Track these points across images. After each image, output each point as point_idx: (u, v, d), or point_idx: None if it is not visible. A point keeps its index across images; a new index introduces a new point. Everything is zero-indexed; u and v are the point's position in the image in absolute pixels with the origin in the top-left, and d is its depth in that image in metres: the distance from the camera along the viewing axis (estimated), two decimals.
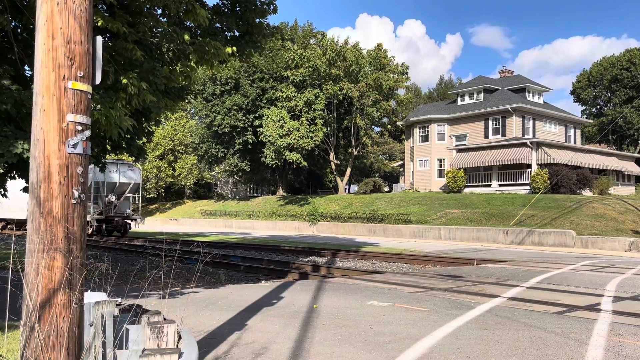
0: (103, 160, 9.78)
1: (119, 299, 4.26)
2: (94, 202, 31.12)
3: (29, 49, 7.35)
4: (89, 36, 3.36)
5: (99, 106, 6.45)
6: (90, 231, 31.13)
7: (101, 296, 4.02)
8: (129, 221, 33.35)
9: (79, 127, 3.29)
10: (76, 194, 3.27)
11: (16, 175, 8.28)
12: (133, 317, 4.02)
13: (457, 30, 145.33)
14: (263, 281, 13.25)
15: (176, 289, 10.04)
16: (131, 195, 33.67)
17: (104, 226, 32.13)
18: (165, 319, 4.07)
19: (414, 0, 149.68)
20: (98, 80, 3.45)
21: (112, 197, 31.89)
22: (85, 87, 3.33)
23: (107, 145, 9.31)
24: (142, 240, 28.80)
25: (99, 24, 6.59)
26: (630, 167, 44.77)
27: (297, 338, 5.98)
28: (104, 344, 3.68)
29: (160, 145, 59.79)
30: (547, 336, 6.08)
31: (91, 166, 28.98)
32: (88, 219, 29.56)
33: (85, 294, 3.61)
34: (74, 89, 3.27)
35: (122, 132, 6.97)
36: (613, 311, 7.74)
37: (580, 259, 17.65)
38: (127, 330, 3.87)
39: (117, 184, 32.03)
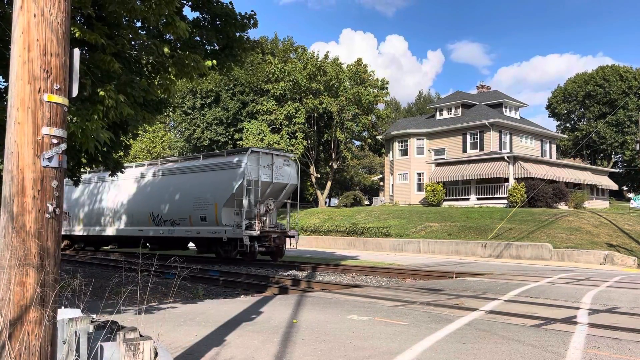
0: (78, 175, 9.64)
1: (94, 315, 4.17)
2: (247, 209, 20.47)
3: (4, 60, 7.24)
4: (66, 48, 3.32)
5: (75, 118, 6.37)
6: (233, 253, 21.34)
7: (75, 312, 3.92)
8: (286, 238, 22.65)
9: (55, 141, 3.24)
10: (50, 208, 3.20)
11: None
12: (108, 333, 3.93)
13: (438, 46, 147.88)
14: (242, 296, 13.11)
15: (153, 304, 9.87)
16: (286, 201, 22.92)
17: (256, 245, 21.13)
18: (141, 336, 3.99)
19: (397, 16, 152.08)
20: (75, 92, 3.40)
21: (270, 204, 21.04)
22: (62, 99, 3.28)
23: (83, 159, 9.18)
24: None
25: (76, 35, 6.53)
26: (604, 182, 45.78)
27: (277, 354, 5.92)
28: None
29: (138, 158, 59.09)
30: (525, 349, 6.12)
31: (238, 159, 20.66)
32: (240, 236, 20.23)
33: (59, 310, 3.52)
34: (50, 102, 3.22)
35: (98, 145, 6.87)
36: (589, 324, 7.84)
37: (556, 271, 17.89)
38: (102, 347, 3.78)
39: (271, 185, 21.19)
